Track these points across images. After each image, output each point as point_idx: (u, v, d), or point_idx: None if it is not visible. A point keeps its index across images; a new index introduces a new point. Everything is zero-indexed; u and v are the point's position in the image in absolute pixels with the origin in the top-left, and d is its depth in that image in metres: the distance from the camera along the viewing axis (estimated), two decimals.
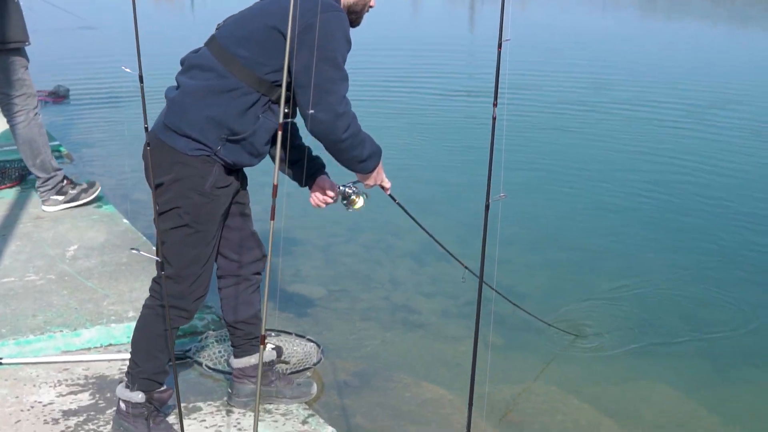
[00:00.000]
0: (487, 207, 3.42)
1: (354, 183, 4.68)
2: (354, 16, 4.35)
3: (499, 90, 3.61)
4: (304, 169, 4.57)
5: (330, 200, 4.67)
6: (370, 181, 4.54)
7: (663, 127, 12.53)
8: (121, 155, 10.26)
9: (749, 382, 5.89)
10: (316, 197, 4.68)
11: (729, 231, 8.35)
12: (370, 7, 4.41)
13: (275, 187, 3.26)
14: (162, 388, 4.47)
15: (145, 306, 4.43)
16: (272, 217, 3.15)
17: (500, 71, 3.54)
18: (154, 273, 4.30)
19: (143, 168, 4.16)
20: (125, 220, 7.31)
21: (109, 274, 6.23)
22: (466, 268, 5.57)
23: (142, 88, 3.45)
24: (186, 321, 4.44)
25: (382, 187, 4.70)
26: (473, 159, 10.17)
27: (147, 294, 4.50)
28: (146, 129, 3.63)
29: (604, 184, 9.72)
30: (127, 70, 3.38)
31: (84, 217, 7.32)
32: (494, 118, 3.54)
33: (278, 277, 6.78)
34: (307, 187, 4.67)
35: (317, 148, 4.37)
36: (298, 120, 4.27)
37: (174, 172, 4.13)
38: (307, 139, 4.38)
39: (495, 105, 3.56)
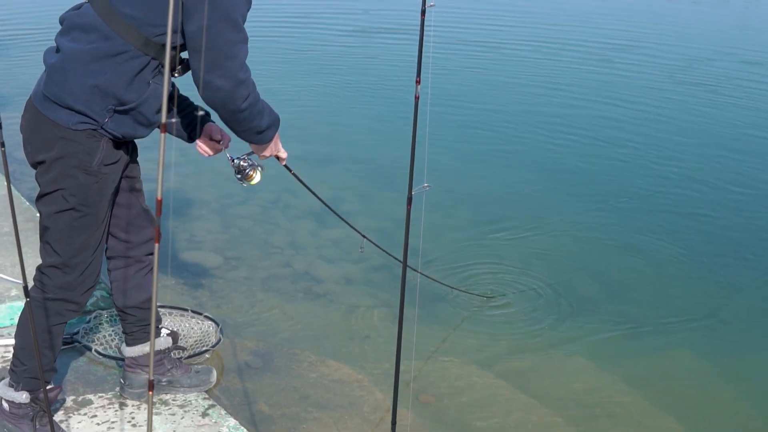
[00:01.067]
0: (409, 200, 3.05)
1: (249, 155, 4.28)
2: None
3: (422, 65, 3.18)
4: (193, 123, 4.15)
5: (219, 147, 4.25)
6: (267, 152, 4.14)
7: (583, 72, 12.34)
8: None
9: (662, 349, 5.81)
10: (204, 145, 4.25)
11: (643, 183, 8.34)
12: None
13: (163, 126, 2.82)
14: (49, 386, 4.06)
15: (29, 299, 4.00)
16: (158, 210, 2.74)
17: (423, 43, 3.13)
18: (39, 245, 3.88)
19: (20, 142, 3.75)
20: (5, 182, 6.77)
21: None
22: (364, 237, 5.35)
23: None
24: (76, 314, 4.03)
25: (278, 158, 4.31)
26: (392, 133, 9.66)
27: (31, 268, 4.06)
28: None
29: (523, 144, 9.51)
30: None
31: None
32: (417, 98, 3.13)
33: (168, 243, 6.39)
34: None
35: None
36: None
37: (56, 148, 3.69)
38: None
39: (418, 82, 3.13)
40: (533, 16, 16.36)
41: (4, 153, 2.96)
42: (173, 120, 4.05)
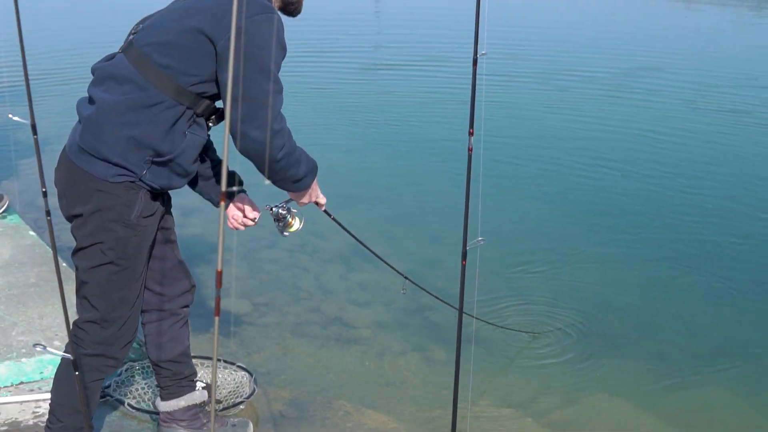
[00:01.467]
0: (464, 255, 2.95)
1: (287, 202, 4.21)
2: (293, 6, 3.88)
3: (475, 115, 3.06)
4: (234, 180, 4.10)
5: (250, 222, 4.18)
6: (305, 199, 4.08)
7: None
8: (26, 155, 9.54)
9: (695, 387, 5.70)
10: (235, 219, 4.19)
11: (680, 233, 8.12)
12: None
13: (223, 194, 2.74)
14: None
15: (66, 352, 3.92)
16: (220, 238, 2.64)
17: (476, 92, 3.02)
18: (66, 296, 3.79)
19: (56, 195, 3.68)
20: (32, 233, 6.73)
21: (17, 297, 5.67)
22: (406, 278, 5.33)
23: (36, 142, 2.86)
24: (114, 369, 3.96)
25: (317, 204, 4.24)
26: (438, 185, 9.39)
27: (59, 320, 3.99)
28: (44, 193, 3.02)
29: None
30: (15, 118, 2.82)
31: None
32: (470, 150, 3.02)
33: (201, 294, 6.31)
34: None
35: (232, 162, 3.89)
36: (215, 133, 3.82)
37: (93, 201, 3.63)
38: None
39: (471, 133, 3.02)
40: (585, 59, 16.14)
41: (49, 219, 2.87)
42: (234, 189, 3.99)
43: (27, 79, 2.74)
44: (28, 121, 2.79)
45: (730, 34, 20.97)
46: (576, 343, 6.08)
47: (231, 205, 4.16)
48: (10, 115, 2.79)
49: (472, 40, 3.07)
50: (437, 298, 5.72)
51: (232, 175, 4.06)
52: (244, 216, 4.16)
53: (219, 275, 2.26)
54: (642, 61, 16.09)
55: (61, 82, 12.92)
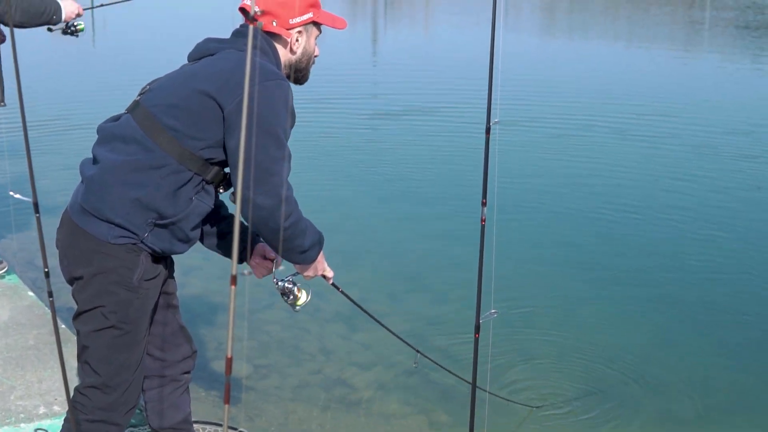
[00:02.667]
0: (477, 327, 2.86)
1: (293, 275, 4.12)
2: (300, 74, 3.87)
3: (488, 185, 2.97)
4: (243, 244, 4.02)
5: (272, 266, 4.11)
6: (311, 272, 3.99)
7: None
8: (26, 213, 9.46)
9: None
10: (262, 267, 4.12)
11: (694, 291, 8.08)
12: (316, 57, 3.92)
13: (233, 277, 2.67)
14: None
15: (67, 420, 3.84)
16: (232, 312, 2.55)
17: (489, 161, 2.94)
18: (67, 359, 3.71)
19: (57, 257, 3.62)
20: (30, 293, 6.64)
21: (15, 360, 5.58)
22: (418, 352, 5.21)
23: (38, 220, 2.78)
24: None
25: (325, 277, 4.15)
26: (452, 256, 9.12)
27: (58, 384, 3.91)
28: (46, 274, 2.94)
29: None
30: (17, 196, 2.75)
31: None
32: (483, 221, 2.93)
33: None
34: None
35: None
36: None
37: (95, 264, 3.56)
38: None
39: (484, 203, 2.93)
40: (596, 123, 16.09)
41: (51, 300, 2.80)
42: (245, 273, 3.93)
43: (29, 157, 2.68)
44: (30, 199, 2.72)
45: (734, 82, 21.07)
46: (591, 412, 5.97)
47: (251, 257, 4.09)
48: (11, 193, 2.72)
49: (485, 104, 3.03)
50: (450, 372, 5.62)
51: (247, 228, 4.00)
52: (269, 261, 4.10)
53: (229, 362, 2.17)
54: (659, 124, 16.07)
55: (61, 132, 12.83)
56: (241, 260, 4.08)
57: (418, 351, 5.17)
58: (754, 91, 19.41)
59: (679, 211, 10.58)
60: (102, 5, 8.12)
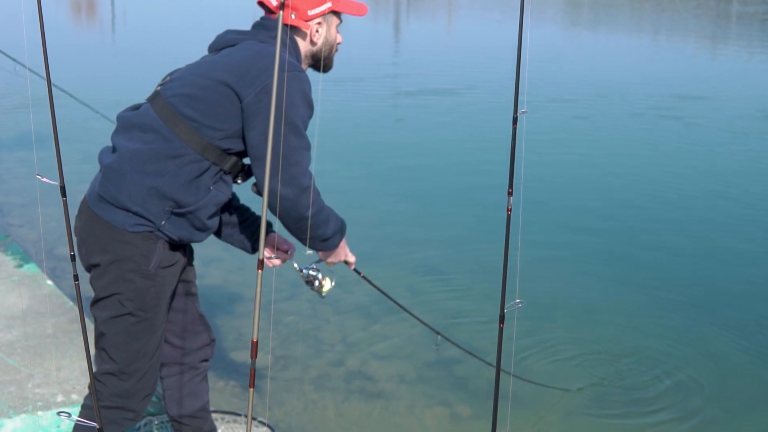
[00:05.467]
0: (501, 318, 2.80)
1: (316, 263, 4.12)
2: (324, 63, 3.83)
3: (514, 175, 2.88)
4: (257, 235, 4.01)
5: (287, 256, 4.11)
6: (334, 259, 4.02)
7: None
8: (44, 204, 9.45)
9: None
10: (274, 259, 4.10)
11: (716, 286, 8.04)
12: (339, 44, 3.88)
13: (260, 262, 2.64)
14: None
15: (84, 407, 3.81)
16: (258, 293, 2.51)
17: (516, 151, 2.87)
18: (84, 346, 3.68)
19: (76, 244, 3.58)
20: (49, 282, 6.61)
21: (34, 349, 5.55)
22: (438, 334, 5.25)
23: (65, 204, 2.73)
24: (133, 423, 3.82)
25: (347, 263, 4.16)
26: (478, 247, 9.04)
27: (76, 373, 3.88)
28: (72, 257, 2.89)
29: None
30: (44, 179, 2.69)
31: (2, 279, 6.61)
32: (509, 210, 2.87)
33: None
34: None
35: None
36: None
37: (112, 251, 3.52)
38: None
39: (510, 193, 2.86)
40: (626, 112, 16.01)
41: (77, 283, 2.76)
42: (271, 258, 3.91)
43: (57, 140, 2.63)
44: (57, 182, 2.67)
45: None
46: (610, 401, 5.93)
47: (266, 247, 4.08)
48: (38, 176, 2.67)
49: (513, 94, 2.97)
50: (473, 355, 5.57)
51: (259, 218, 3.98)
52: (282, 252, 4.10)
53: (254, 345, 2.13)
54: (686, 110, 15.95)
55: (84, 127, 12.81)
56: (254, 250, 4.07)
57: (438, 333, 5.16)
58: None
59: (714, 202, 10.51)
60: None
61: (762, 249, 8.99)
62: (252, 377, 2.20)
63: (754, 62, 24.00)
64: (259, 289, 2.04)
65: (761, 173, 12.13)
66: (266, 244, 4.09)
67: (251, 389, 2.22)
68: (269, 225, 4.08)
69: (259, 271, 2.15)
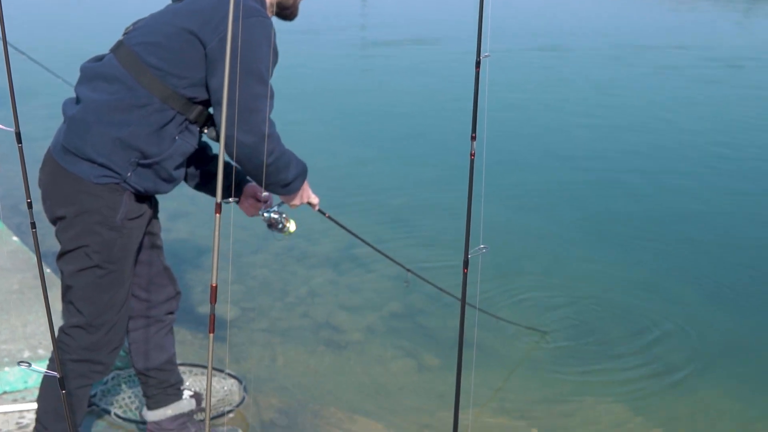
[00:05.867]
0: (465, 263, 2.82)
1: (279, 206, 4.09)
2: (288, 11, 3.79)
3: (478, 119, 2.91)
4: (232, 182, 3.99)
5: (265, 206, 4.08)
6: (297, 201, 3.96)
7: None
8: (8, 160, 9.34)
9: (694, 390, 5.60)
10: (252, 207, 4.11)
11: (680, 235, 8.10)
12: None
13: (218, 205, 2.62)
14: None
15: (51, 360, 3.79)
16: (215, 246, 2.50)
17: (479, 96, 2.88)
18: (51, 303, 3.65)
19: (40, 197, 3.54)
20: (15, 238, 6.56)
21: (0, 305, 5.53)
22: (408, 270, 5.26)
23: (21, 151, 2.69)
24: (102, 376, 3.81)
25: (310, 204, 4.12)
26: (441, 191, 9.23)
27: (43, 328, 3.86)
28: (29, 204, 2.84)
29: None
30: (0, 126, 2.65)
31: None
32: (472, 155, 2.88)
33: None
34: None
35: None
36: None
37: (77, 203, 3.50)
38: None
39: (473, 138, 2.88)
40: (591, 59, 15.98)
41: (34, 231, 2.73)
42: (230, 200, 3.87)
43: (11, 84, 2.60)
44: (12, 129, 2.63)
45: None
46: (577, 347, 5.99)
47: (242, 199, 4.09)
48: None
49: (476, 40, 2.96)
50: (441, 289, 5.57)
51: (233, 173, 3.95)
52: (258, 201, 4.08)
53: (213, 291, 2.13)
54: (652, 59, 15.94)
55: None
56: (227, 196, 4.03)
57: (408, 270, 5.14)
58: None
59: (683, 151, 10.56)
60: None
61: (734, 201, 9.05)
62: (212, 323, 2.20)
63: (716, 13, 24.04)
64: (217, 233, 2.03)
65: (728, 122, 12.20)
66: (244, 195, 4.08)
67: (211, 335, 2.21)
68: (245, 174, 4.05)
69: (217, 215, 2.14)
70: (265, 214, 4.07)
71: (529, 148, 10.62)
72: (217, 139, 3.51)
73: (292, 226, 4.12)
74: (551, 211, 8.61)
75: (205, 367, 5.13)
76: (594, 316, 6.41)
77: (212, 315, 2.20)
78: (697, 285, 7.01)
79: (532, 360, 5.84)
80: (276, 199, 4.03)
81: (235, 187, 4.05)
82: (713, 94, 13.95)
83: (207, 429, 2.40)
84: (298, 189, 3.85)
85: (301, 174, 3.81)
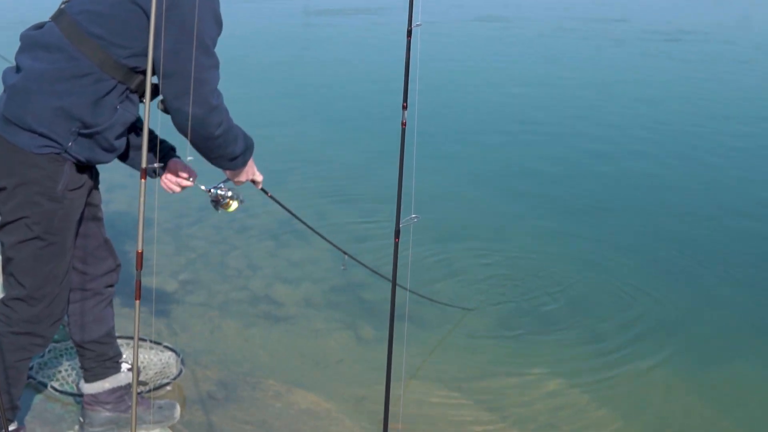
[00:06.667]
0: (397, 232, 2.84)
1: (224, 182, 4.07)
2: None
3: (409, 88, 2.93)
4: (156, 153, 3.92)
5: (186, 183, 4.00)
6: (242, 177, 3.95)
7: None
8: None
9: (627, 363, 5.68)
10: (169, 180, 4.00)
11: (617, 207, 8.24)
12: None
13: (143, 171, 2.62)
14: (13, 427, 3.83)
15: None
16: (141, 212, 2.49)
17: (410, 65, 2.90)
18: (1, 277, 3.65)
19: None
20: None
21: None
22: (346, 254, 5.20)
23: None
24: (42, 348, 3.79)
25: (254, 182, 4.11)
26: (374, 160, 9.31)
27: None
28: None
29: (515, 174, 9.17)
30: None
31: None
32: (404, 124, 2.90)
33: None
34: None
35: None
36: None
37: (18, 174, 3.46)
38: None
39: (404, 107, 2.89)
40: (524, 29, 16.05)
41: None
42: (156, 165, 3.81)
43: None
44: None
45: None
46: (510, 319, 6.07)
47: (165, 170, 4.01)
48: None
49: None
50: (375, 272, 5.61)
51: (163, 141, 3.91)
52: (177, 177, 4.00)
53: (139, 257, 2.13)
54: (594, 29, 16.03)
55: None
56: (155, 173, 3.97)
57: (345, 253, 5.16)
58: None
59: (619, 118, 10.65)
60: None
61: (672, 171, 9.17)
62: (138, 289, 2.21)
63: None
64: (142, 199, 2.05)
65: (668, 91, 12.34)
66: (168, 169, 4.02)
67: (137, 301, 2.22)
68: (173, 149, 4.02)
69: (142, 180, 2.15)
70: (212, 190, 4.05)
71: (467, 119, 10.67)
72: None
73: (234, 203, 4.11)
74: (488, 182, 8.68)
75: (143, 339, 5.12)
76: (529, 288, 6.50)
77: (138, 281, 2.22)
78: (636, 258, 7.11)
79: (466, 331, 5.90)
80: (220, 177, 3.99)
81: (159, 161, 3.98)
82: (657, 65, 14.09)
83: (134, 396, 2.39)
84: (244, 164, 3.83)
85: (249, 148, 3.79)
